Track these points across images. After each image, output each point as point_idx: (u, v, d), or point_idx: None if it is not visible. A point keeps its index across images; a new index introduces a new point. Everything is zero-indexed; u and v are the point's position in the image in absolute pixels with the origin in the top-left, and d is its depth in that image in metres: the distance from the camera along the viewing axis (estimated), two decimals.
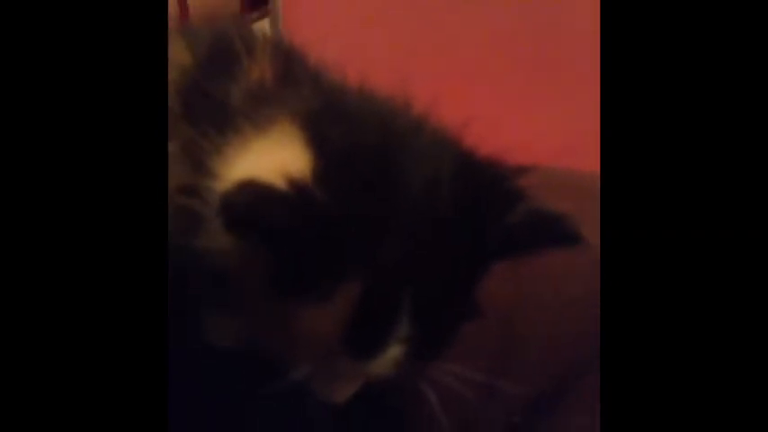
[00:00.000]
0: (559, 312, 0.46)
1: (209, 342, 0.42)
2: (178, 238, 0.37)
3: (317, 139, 0.33)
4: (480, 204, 0.34)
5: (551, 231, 0.34)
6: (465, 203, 0.34)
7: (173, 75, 0.38)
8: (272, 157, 0.33)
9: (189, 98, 0.38)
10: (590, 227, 0.33)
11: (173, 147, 0.37)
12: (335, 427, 0.39)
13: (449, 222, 0.34)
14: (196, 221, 0.35)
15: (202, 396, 0.42)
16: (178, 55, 0.40)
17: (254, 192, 0.30)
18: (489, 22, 0.87)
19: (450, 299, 0.34)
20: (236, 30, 0.41)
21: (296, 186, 0.31)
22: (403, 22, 0.88)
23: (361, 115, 0.36)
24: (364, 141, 0.34)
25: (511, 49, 0.85)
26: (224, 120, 0.36)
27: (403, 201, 0.33)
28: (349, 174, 0.32)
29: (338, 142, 0.33)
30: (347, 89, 0.39)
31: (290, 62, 0.39)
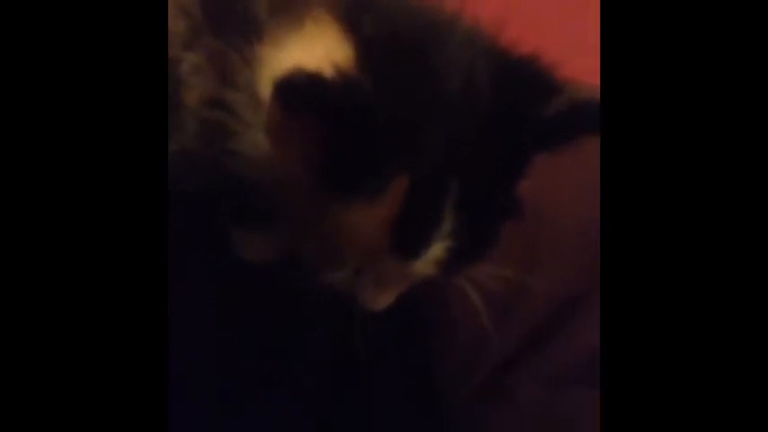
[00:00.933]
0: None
1: (244, 257, 0.42)
2: (205, 150, 0.36)
3: (355, 29, 0.32)
4: (518, 98, 0.34)
5: (588, 119, 0.34)
6: (502, 98, 0.34)
7: None
8: (313, 48, 0.32)
9: (211, 7, 0.37)
10: None
11: (197, 58, 0.37)
12: (376, 333, 0.40)
13: (487, 116, 0.33)
14: (222, 133, 0.35)
15: (238, 310, 0.43)
16: None
17: (305, 77, 0.29)
18: None
19: (492, 193, 0.34)
20: None
21: (342, 74, 0.30)
22: None
23: (394, 7, 0.35)
24: (399, 33, 0.33)
25: None
26: (250, 28, 0.35)
27: (442, 94, 0.33)
28: (389, 63, 0.32)
29: (374, 32, 0.33)
30: None
31: None
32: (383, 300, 0.37)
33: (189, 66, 0.36)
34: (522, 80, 0.35)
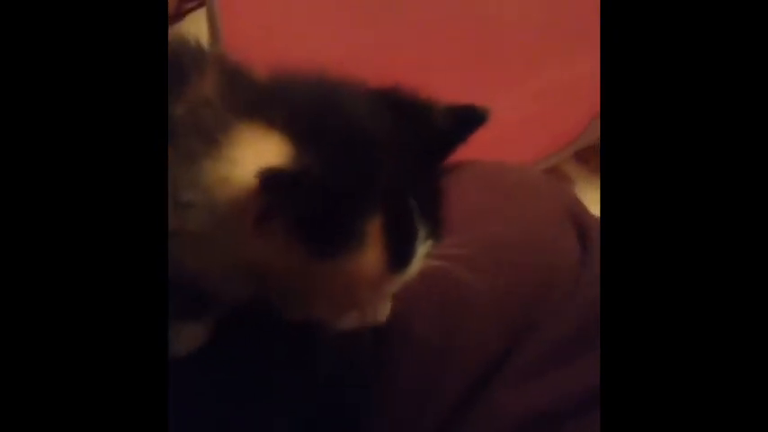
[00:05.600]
0: None
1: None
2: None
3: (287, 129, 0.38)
4: (407, 123, 0.41)
5: (468, 119, 0.42)
6: (400, 128, 0.41)
7: None
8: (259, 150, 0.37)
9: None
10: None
11: None
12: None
13: (401, 143, 0.40)
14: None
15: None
16: None
17: (281, 171, 0.35)
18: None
19: (431, 194, 0.42)
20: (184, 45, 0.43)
21: (297, 165, 0.36)
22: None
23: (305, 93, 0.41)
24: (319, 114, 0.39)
25: None
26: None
27: (366, 144, 0.39)
28: (322, 142, 0.37)
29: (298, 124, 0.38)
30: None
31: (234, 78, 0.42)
32: (384, 310, 0.43)
33: None
34: (402, 109, 0.42)
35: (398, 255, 0.39)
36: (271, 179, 0.34)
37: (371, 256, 0.38)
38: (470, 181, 0.54)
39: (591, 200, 0.55)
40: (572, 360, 0.49)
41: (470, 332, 0.49)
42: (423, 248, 0.40)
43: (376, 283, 0.39)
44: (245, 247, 0.38)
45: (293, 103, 0.39)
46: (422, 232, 0.40)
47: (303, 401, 0.47)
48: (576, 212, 0.56)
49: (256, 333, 0.46)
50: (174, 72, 0.39)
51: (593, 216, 0.56)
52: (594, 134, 1.16)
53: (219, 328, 0.46)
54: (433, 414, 0.48)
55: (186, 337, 0.45)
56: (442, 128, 0.42)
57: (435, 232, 0.41)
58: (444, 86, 0.42)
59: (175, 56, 0.41)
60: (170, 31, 0.43)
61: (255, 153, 0.36)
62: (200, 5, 1.01)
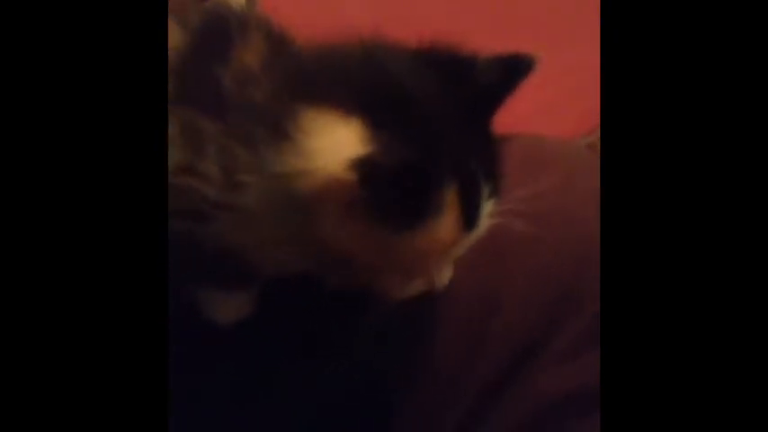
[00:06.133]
0: None
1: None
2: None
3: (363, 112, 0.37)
4: (457, 83, 0.41)
5: (515, 69, 0.42)
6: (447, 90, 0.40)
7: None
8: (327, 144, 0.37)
9: (186, 80, 0.40)
10: None
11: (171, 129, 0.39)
12: None
13: (450, 104, 0.40)
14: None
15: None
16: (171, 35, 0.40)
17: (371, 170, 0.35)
18: None
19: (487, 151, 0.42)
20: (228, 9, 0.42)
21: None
22: None
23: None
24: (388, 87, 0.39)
25: None
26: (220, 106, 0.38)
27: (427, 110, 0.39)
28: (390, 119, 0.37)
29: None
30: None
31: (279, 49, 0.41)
32: (448, 274, 0.44)
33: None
34: (445, 66, 0.41)
35: (469, 217, 0.40)
36: (367, 171, 0.35)
37: (448, 222, 0.39)
38: (510, 154, 0.53)
39: None
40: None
41: (512, 308, 0.48)
42: (487, 207, 0.41)
43: (449, 247, 0.40)
44: (316, 229, 0.38)
45: (352, 82, 0.39)
46: (485, 191, 0.40)
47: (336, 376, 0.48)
48: None
49: (300, 304, 0.46)
50: (218, 36, 0.39)
51: None
52: None
53: (262, 299, 0.46)
54: (465, 395, 0.48)
55: (230, 307, 0.45)
56: (488, 81, 0.42)
57: (496, 190, 0.41)
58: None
59: (218, 19, 0.40)
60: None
61: (334, 142, 0.36)
62: None
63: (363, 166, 0.35)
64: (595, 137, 1.26)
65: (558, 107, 1.16)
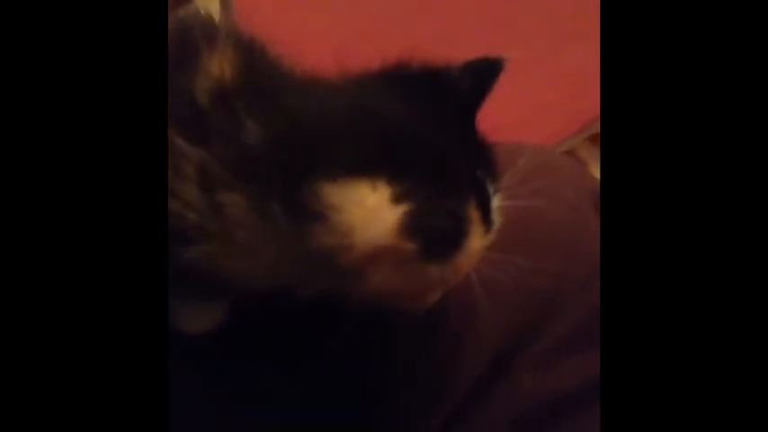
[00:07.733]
0: None
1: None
2: None
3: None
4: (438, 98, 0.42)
5: (484, 72, 0.43)
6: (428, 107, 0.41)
7: None
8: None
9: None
10: None
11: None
12: None
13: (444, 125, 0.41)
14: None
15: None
16: None
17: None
18: None
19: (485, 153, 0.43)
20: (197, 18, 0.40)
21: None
22: None
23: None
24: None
25: None
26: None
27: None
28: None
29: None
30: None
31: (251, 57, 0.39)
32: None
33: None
34: (420, 83, 0.42)
35: (488, 220, 0.41)
36: (411, 228, 0.35)
37: (477, 233, 0.40)
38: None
39: None
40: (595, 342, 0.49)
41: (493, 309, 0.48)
42: (496, 203, 0.42)
43: (480, 255, 0.41)
44: (358, 284, 0.38)
45: (357, 144, 0.38)
46: (491, 189, 0.42)
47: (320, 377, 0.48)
48: (594, 191, 0.57)
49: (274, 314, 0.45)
50: (186, 47, 0.38)
51: None
52: None
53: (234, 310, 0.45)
54: (451, 396, 0.48)
55: (200, 318, 0.45)
56: (465, 88, 0.43)
57: (497, 185, 0.43)
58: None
59: (186, 29, 0.39)
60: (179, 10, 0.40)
61: (366, 213, 0.36)
62: None
63: (407, 227, 0.36)
64: (576, 141, 1.27)
65: (558, 107, 1.17)
